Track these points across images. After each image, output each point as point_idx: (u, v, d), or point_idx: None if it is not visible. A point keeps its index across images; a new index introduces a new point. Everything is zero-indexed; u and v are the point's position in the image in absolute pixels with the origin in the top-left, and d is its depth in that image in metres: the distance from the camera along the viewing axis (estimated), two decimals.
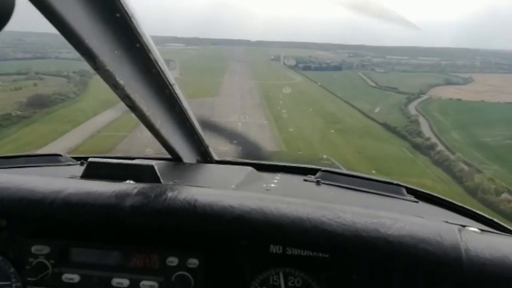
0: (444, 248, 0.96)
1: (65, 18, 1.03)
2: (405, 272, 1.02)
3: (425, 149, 25.89)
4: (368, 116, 34.67)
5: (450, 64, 70.83)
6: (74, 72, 44.01)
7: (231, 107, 36.39)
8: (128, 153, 2.20)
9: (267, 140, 27.24)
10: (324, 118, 33.97)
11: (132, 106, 1.42)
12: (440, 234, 1.00)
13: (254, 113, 34.89)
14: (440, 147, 26.22)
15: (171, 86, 1.56)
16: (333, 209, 1.11)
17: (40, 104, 31.61)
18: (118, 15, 1.20)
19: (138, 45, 1.33)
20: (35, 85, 40.39)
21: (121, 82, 1.30)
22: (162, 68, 1.47)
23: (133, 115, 1.51)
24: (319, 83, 48.16)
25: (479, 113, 37.53)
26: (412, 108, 39.60)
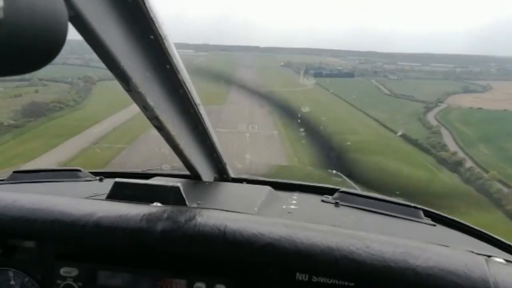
0: (473, 281, 0.91)
1: (103, 39, 1.01)
2: None
3: (452, 165, 23.00)
4: (386, 127, 31.83)
5: (465, 71, 68.65)
6: (79, 78, 42.50)
7: (239, 116, 33.77)
8: (145, 167, 2.15)
9: (277, 154, 24.53)
10: (339, 128, 31.19)
11: (160, 127, 1.38)
12: (467, 266, 0.95)
13: (264, 122, 32.21)
14: (470, 163, 23.29)
15: (196, 106, 1.49)
16: (362, 237, 1.06)
17: (36, 113, 29.34)
18: (152, 37, 1.18)
19: (168, 67, 1.28)
20: (36, 91, 38.62)
21: (151, 103, 1.26)
22: (189, 88, 1.41)
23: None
24: (331, 91, 45.38)
25: (504, 123, 34.61)
26: (431, 118, 36.86)
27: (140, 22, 1.15)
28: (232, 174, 2.08)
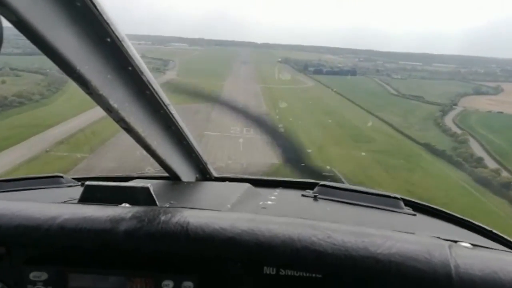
0: (433, 265, 0.92)
1: (53, 44, 1.00)
2: None
3: (498, 187, 17.62)
4: (402, 133, 26.46)
5: (470, 71, 64.18)
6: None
7: (233, 117, 27.97)
8: (126, 171, 2.05)
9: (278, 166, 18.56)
10: (348, 133, 25.88)
11: (127, 128, 1.36)
12: (429, 251, 0.95)
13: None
14: None
15: (166, 106, 1.46)
16: (324, 228, 1.06)
17: None
18: (108, 39, 1.16)
19: (130, 68, 1.26)
20: (3, 82, 33.03)
21: (115, 105, 1.24)
22: (156, 89, 1.38)
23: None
24: (334, 89, 39.96)
25: None
26: (449, 122, 31.72)
27: (94, 25, 1.12)
28: (215, 174, 1.99)
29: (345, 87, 42.74)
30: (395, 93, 43.90)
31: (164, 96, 1.45)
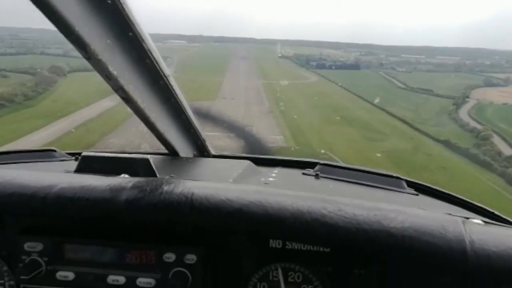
0: (448, 240, 0.89)
1: (53, 3, 0.95)
2: (408, 265, 0.97)
3: None
4: (418, 130, 23.95)
5: (476, 63, 61.62)
6: (51, 68, 35.16)
7: (233, 115, 25.46)
8: (122, 148, 1.95)
9: None
10: (360, 131, 23.33)
11: (126, 98, 1.29)
12: (443, 226, 0.92)
13: (263, 124, 24.25)
14: None
15: (166, 77, 1.40)
16: (334, 201, 1.02)
17: None
18: (109, 1, 1.10)
19: (131, 34, 1.20)
20: None
21: (114, 72, 1.18)
22: (157, 58, 1.33)
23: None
24: (340, 84, 37.42)
25: None
26: (465, 116, 29.25)
27: None
28: (213, 152, 1.92)
29: (350, 81, 40.25)
30: (403, 86, 41.53)
31: (165, 67, 1.37)
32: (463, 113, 29.80)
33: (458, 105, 31.50)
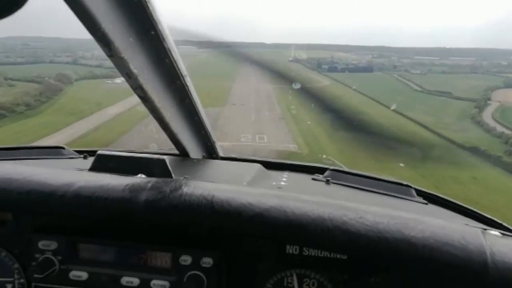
0: (469, 252, 0.87)
1: (82, 0, 0.94)
2: (427, 275, 0.91)
3: None
4: (441, 135, 22.05)
5: (492, 64, 59.24)
6: (57, 76, 34.22)
7: (243, 122, 23.90)
8: (133, 148, 1.89)
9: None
10: (378, 138, 21.41)
11: (144, 97, 1.27)
12: (464, 237, 0.90)
13: (276, 131, 22.51)
14: None
15: (183, 77, 1.39)
16: (354, 208, 0.99)
17: None
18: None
19: (153, 33, 1.18)
20: None
21: (135, 71, 1.17)
22: (175, 58, 1.31)
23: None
24: (354, 87, 35.56)
25: None
26: (489, 119, 27.29)
27: None
28: (222, 153, 1.91)
29: (364, 84, 38.46)
30: (419, 89, 39.61)
31: (183, 66, 1.35)
32: (487, 116, 27.78)
33: (480, 108, 29.50)
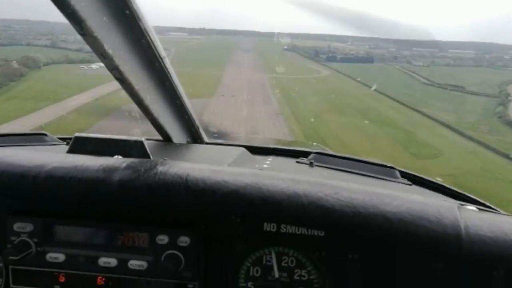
0: (444, 225, 0.88)
1: None
2: (403, 249, 0.93)
3: None
4: (472, 139, 17.54)
5: (496, 57, 55.21)
6: (21, 59, 29.55)
7: (233, 118, 19.13)
8: (114, 133, 1.63)
9: None
10: (402, 144, 16.91)
11: (121, 79, 1.23)
12: (439, 211, 0.91)
13: (273, 130, 17.84)
14: None
15: (161, 59, 1.34)
16: (331, 185, 1.00)
17: None
18: None
19: (127, 12, 1.15)
20: None
21: (110, 51, 1.13)
22: (153, 39, 1.26)
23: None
24: (358, 79, 30.92)
25: None
26: None
27: None
28: (207, 139, 1.84)
29: (367, 76, 33.93)
30: (428, 82, 35.23)
31: (160, 48, 1.31)
32: None
33: (505, 105, 25.15)
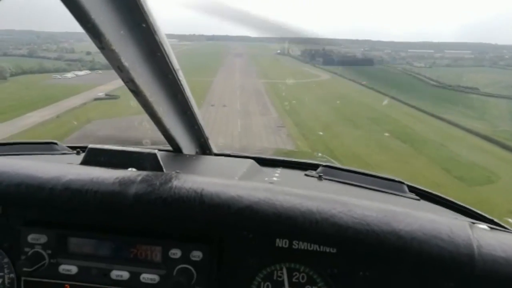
0: (457, 244, 0.86)
1: None
2: (415, 268, 0.91)
3: None
4: None
5: (497, 57, 52.33)
6: None
7: (224, 133, 15.10)
8: (125, 143, 1.73)
9: None
10: (436, 161, 12.94)
11: (136, 91, 1.23)
12: (451, 230, 0.89)
13: (275, 147, 13.78)
14: None
15: (175, 71, 1.32)
16: (343, 202, 0.98)
17: None
18: None
19: (144, 25, 1.14)
20: None
21: (126, 64, 1.12)
22: (167, 51, 1.26)
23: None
24: (364, 82, 27.16)
25: None
26: None
27: None
28: (215, 150, 1.78)
29: (370, 79, 30.16)
30: (437, 84, 31.69)
31: (175, 60, 1.31)
32: None
33: None
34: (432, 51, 64.89)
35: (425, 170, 12.29)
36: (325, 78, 32.81)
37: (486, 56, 52.72)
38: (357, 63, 41.52)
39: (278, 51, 54.47)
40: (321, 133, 15.79)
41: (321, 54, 47.46)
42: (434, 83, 32.01)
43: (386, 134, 16.20)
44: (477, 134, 16.66)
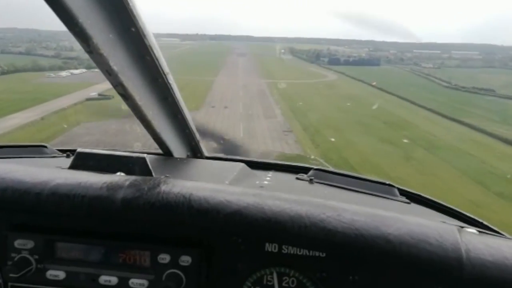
0: (445, 248, 0.84)
1: None
2: (403, 272, 0.88)
3: None
4: None
5: (506, 58, 50.51)
6: None
7: (226, 139, 12.50)
8: (116, 147, 1.77)
9: None
10: (462, 171, 11.13)
11: (125, 95, 1.19)
12: (440, 234, 0.87)
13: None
14: None
15: (165, 75, 1.31)
16: (333, 206, 0.96)
17: None
18: None
19: (133, 29, 1.11)
20: None
21: (115, 68, 1.10)
22: (157, 55, 1.23)
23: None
24: (374, 83, 25.40)
25: None
26: None
27: None
28: (206, 153, 1.75)
29: (379, 79, 28.45)
30: (450, 85, 29.94)
31: (164, 64, 1.29)
32: None
33: None
34: (438, 51, 63.22)
35: (457, 184, 10.53)
36: (333, 79, 31.10)
37: (495, 57, 50.99)
38: (362, 63, 39.85)
39: (283, 50, 52.91)
40: (332, 139, 14.05)
41: (325, 54, 45.86)
42: (447, 84, 30.25)
43: (405, 141, 14.44)
44: (505, 141, 14.88)
